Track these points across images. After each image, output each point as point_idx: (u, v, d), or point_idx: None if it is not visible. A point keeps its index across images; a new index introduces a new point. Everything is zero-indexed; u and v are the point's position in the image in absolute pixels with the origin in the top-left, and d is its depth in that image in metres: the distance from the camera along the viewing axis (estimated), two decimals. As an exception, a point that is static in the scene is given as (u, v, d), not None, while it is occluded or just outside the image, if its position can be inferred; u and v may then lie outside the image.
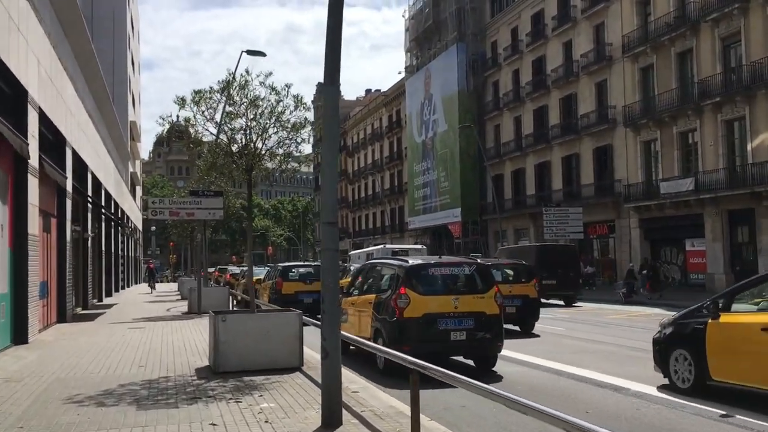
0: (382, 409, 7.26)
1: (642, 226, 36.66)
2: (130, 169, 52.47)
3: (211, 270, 56.21)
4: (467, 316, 10.48)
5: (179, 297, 32.48)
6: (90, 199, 24.64)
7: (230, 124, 9.97)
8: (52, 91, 16.81)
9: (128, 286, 49.00)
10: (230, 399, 7.69)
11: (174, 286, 51.53)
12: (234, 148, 10.06)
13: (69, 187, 19.79)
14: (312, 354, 10.71)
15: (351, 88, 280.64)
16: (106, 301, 30.25)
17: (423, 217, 61.97)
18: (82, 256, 24.30)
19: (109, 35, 45.64)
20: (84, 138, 23.05)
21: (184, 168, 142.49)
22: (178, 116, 10.21)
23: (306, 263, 27.70)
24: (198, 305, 21.22)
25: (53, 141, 18.23)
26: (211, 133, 10.04)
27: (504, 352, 11.31)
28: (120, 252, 40.93)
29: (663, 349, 9.43)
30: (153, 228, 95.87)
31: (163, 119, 9.90)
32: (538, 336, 16.00)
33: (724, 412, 7.72)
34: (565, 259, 27.32)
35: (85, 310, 23.99)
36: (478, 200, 54.01)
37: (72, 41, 20.85)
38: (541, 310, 18.46)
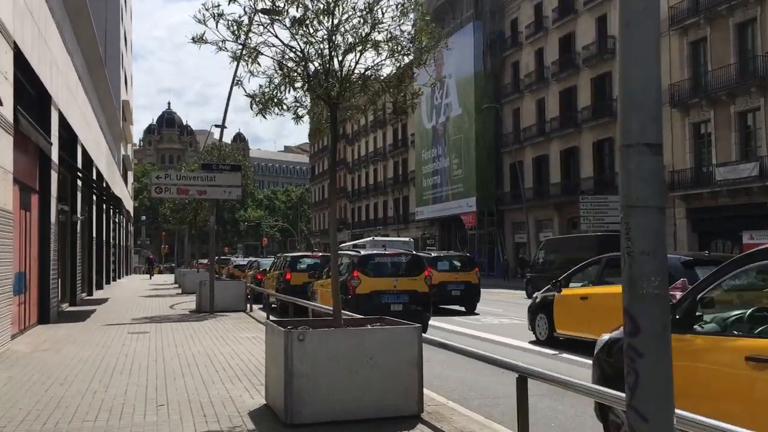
0: None
1: (690, 216, 33.28)
2: (122, 152, 48.55)
3: (203, 261, 52.31)
4: (403, 293, 14.08)
5: (179, 291, 28.83)
6: (80, 175, 20.92)
7: (305, 32, 6.39)
8: (33, 29, 13.13)
9: (119, 278, 45.20)
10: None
11: (169, 277, 47.77)
12: (312, 67, 6.49)
13: (55, 157, 16.11)
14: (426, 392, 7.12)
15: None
16: (97, 294, 26.55)
17: (432, 207, 58.43)
18: (70, 242, 20.62)
19: (101, 3, 41.58)
20: (73, 102, 19.34)
21: (176, 157, 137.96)
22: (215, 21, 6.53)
23: (311, 254, 24.92)
24: (210, 303, 17.59)
25: (34, 96, 14.53)
26: (279, 46, 6.43)
27: (444, 324, 15.74)
28: (112, 240, 37.15)
29: (532, 314, 13.20)
30: (143, 218, 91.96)
31: (207, 9, 6.24)
32: (477, 314, 19.24)
33: (556, 352, 11.35)
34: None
35: (73, 306, 20.31)
36: (494, 189, 50.52)
37: (59, -19, 17.16)
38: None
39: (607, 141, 39.57)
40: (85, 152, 22.65)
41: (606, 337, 5.71)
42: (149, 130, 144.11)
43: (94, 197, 26.80)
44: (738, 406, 4.24)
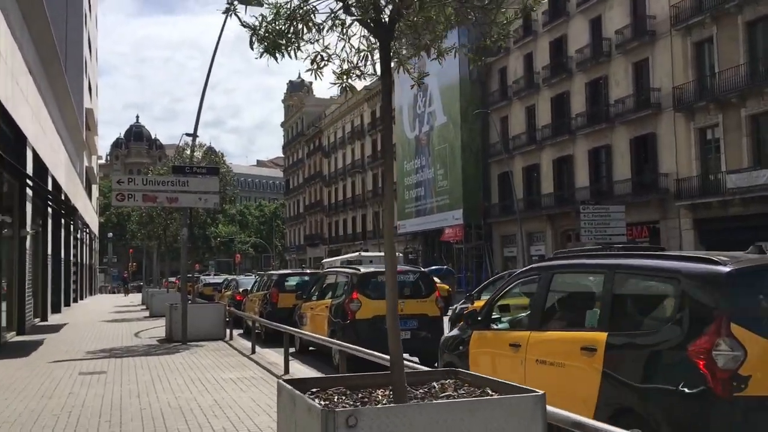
0: None
1: (697, 227, 31.26)
2: (86, 163, 45.42)
3: (172, 279, 48.95)
4: (411, 317, 11.88)
5: (147, 314, 25.95)
6: (30, 183, 18.11)
7: None
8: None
9: (82, 299, 41.97)
10: None
11: (137, 297, 44.65)
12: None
13: (-7, 158, 13.39)
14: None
15: (322, 88, 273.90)
16: (54, 319, 23.58)
17: (416, 221, 56.00)
18: (18, 259, 17.78)
19: (62, 4, 38.60)
20: (21, 96, 16.57)
21: (144, 172, 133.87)
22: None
23: (300, 272, 22.80)
24: (183, 330, 14.88)
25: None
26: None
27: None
28: (72, 258, 34.05)
29: (452, 324, 13.06)
30: (110, 235, 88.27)
31: None
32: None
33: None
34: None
35: (22, 335, 17.43)
36: (482, 201, 48.27)
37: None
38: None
39: (604, 148, 37.57)
40: (37, 158, 19.82)
41: (447, 334, 7.96)
42: (117, 144, 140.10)
43: (50, 210, 23.90)
44: (507, 374, 5.71)
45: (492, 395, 3.99)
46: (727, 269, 4.66)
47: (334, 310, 12.37)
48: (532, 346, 5.86)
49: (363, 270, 13.07)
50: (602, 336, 5.10)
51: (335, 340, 9.43)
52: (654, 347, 4.75)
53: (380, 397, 4.15)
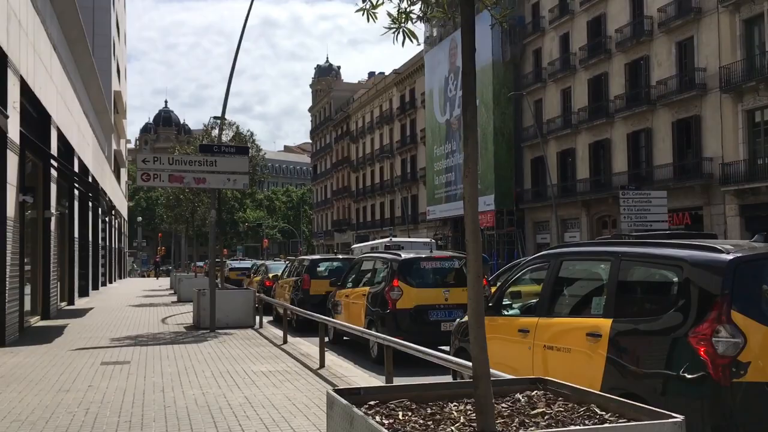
0: None
1: (744, 214, 29.89)
2: (114, 147, 45.05)
3: (200, 264, 48.57)
4: (457, 307, 11.06)
5: (175, 298, 25.43)
6: (54, 164, 17.51)
7: None
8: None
9: (111, 282, 41.75)
10: None
11: (166, 281, 44.36)
12: None
13: (14, 134, 12.73)
14: None
15: (351, 74, 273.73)
16: (81, 303, 23.14)
17: (445, 206, 54.97)
18: (42, 242, 17.24)
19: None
20: (45, 74, 15.95)
21: (170, 152, 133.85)
22: None
23: (332, 257, 21.94)
24: (211, 317, 14.18)
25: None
26: None
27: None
28: (100, 241, 33.67)
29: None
30: (140, 219, 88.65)
31: None
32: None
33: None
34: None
35: (46, 319, 16.91)
36: (514, 186, 47.10)
37: None
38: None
39: (644, 132, 36.19)
40: (62, 138, 19.29)
41: (457, 321, 7.96)
42: (145, 129, 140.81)
43: (77, 192, 23.39)
44: (515, 358, 6.22)
45: (602, 415, 3.13)
46: (729, 257, 4.69)
47: (372, 299, 11.58)
48: (540, 332, 6.00)
49: (404, 255, 12.18)
50: (607, 322, 5.24)
51: (382, 335, 8.50)
52: (657, 333, 4.86)
53: (455, 413, 3.31)
